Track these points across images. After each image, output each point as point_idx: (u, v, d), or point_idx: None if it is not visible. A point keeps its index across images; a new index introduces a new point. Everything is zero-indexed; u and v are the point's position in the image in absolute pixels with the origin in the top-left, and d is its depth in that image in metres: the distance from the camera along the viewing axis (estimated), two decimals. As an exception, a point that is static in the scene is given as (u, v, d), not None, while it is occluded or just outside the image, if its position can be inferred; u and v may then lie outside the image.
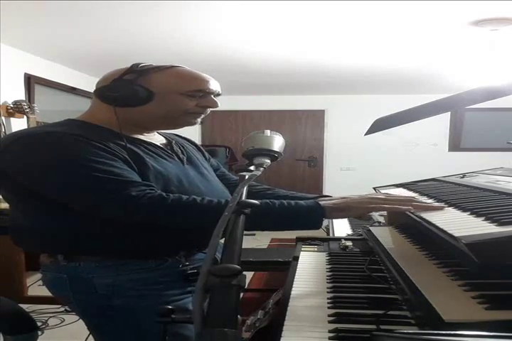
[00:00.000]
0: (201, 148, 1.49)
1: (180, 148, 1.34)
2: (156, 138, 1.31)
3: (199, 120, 1.26)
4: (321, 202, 1.11)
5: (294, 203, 1.11)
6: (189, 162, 1.31)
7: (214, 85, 1.22)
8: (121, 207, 1.06)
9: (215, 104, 1.23)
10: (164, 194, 1.08)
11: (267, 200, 1.10)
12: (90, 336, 1.30)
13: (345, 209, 1.10)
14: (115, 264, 1.16)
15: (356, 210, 1.11)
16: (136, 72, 1.17)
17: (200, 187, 1.24)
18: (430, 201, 1.12)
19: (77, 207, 1.10)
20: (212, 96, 1.22)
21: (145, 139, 1.25)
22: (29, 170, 1.10)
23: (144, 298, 1.16)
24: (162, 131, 1.36)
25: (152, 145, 1.25)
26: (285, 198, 1.34)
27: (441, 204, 1.04)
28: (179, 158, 1.29)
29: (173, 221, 1.09)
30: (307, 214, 1.09)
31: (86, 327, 1.25)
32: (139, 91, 1.15)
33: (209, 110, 1.25)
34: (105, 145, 1.12)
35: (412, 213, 1.03)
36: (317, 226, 1.10)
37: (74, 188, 1.08)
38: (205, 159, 1.45)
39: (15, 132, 1.17)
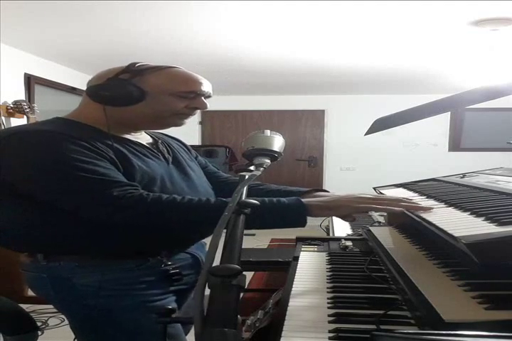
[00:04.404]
0: (188, 146, 1.47)
1: (166, 148, 1.33)
2: (143, 137, 1.31)
3: (186, 121, 1.25)
4: (304, 200, 1.09)
5: (276, 200, 1.09)
6: (174, 162, 1.30)
7: (206, 87, 1.21)
8: (102, 207, 1.06)
9: (205, 106, 1.22)
10: (145, 193, 1.07)
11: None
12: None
13: (333, 207, 1.08)
14: (96, 264, 1.15)
15: (345, 209, 1.08)
16: (132, 72, 1.16)
17: (184, 188, 1.23)
18: (431, 201, 1.12)
19: (60, 206, 1.09)
20: (202, 97, 1.21)
21: (132, 139, 1.25)
22: (13, 168, 1.09)
23: (124, 297, 1.16)
24: (149, 130, 1.35)
25: (138, 145, 1.24)
26: (277, 192, 1.34)
27: (430, 205, 1.04)
28: (164, 158, 1.28)
29: (153, 220, 1.08)
30: (288, 212, 1.07)
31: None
32: (132, 91, 1.14)
33: (197, 111, 1.24)
34: (91, 145, 1.11)
35: (412, 213, 1.03)
36: (300, 224, 1.07)
37: (57, 187, 1.07)
38: (193, 158, 1.43)
39: (2, 131, 1.17)
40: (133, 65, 1.17)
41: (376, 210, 1.11)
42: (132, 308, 1.16)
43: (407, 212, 1.05)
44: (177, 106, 1.19)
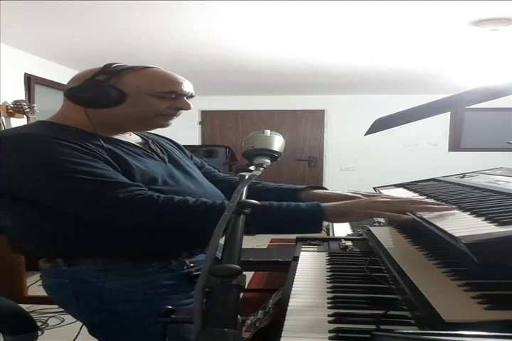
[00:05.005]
0: (181, 146, 1.44)
1: (158, 147, 1.31)
2: (132, 137, 1.28)
3: (171, 122, 1.23)
4: (322, 205, 1.07)
5: (294, 205, 1.07)
6: (171, 161, 1.28)
7: (187, 87, 1.19)
8: (106, 210, 1.03)
9: (188, 106, 1.20)
10: (155, 195, 1.04)
11: (266, 202, 1.06)
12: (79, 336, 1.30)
13: (347, 214, 1.06)
14: (118, 268, 1.13)
15: (357, 215, 1.06)
16: (109, 73, 1.14)
17: (190, 186, 1.21)
18: (431, 201, 1.12)
19: (63, 210, 1.07)
20: (184, 98, 1.20)
21: (121, 139, 1.22)
22: (6, 173, 1.06)
23: (148, 302, 1.13)
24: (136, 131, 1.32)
25: (130, 145, 1.21)
26: (275, 190, 1.34)
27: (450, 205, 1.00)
28: (160, 157, 1.26)
29: (165, 222, 1.05)
30: (307, 218, 1.05)
31: (85, 328, 1.22)
32: (110, 92, 1.12)
33: (181, 112, 1.22)
34: (82, 146, 1.08)
35: (412, 213, 1.03)
36: (317, 230, 1.06)
37: (57, 191, 1.04)
38: (187, 157, 1.41)
39: None
40: (109, 65, 1.15)
41: (387, 217, 1.09)
42: (156, 313, 1.14)
43: (410, 214, 1.04)
44: (159, 107, 1.16)
